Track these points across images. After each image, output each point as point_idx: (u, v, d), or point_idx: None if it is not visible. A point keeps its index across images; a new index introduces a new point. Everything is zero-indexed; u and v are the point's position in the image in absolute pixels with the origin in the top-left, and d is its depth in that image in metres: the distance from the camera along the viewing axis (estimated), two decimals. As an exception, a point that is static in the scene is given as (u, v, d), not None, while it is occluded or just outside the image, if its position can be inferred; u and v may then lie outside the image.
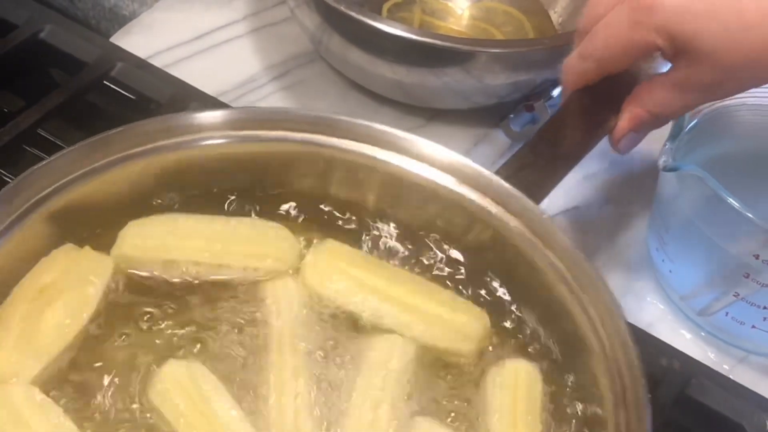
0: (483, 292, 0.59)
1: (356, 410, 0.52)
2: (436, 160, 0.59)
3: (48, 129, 0.73)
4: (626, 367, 0.51)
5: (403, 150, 0.59)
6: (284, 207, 0.61)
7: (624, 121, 0.63)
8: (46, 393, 0.51)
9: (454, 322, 0.56)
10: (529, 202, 0.57)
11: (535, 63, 0.77)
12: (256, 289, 0.57)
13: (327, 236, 0.60)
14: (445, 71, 0.76)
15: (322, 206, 0.61)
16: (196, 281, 0.57)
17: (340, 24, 0.76)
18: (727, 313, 0.68)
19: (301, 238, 0.60)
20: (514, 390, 0.54)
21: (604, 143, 0.65)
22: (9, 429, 0.49)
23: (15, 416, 0.49)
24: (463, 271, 0.60)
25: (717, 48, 0.56)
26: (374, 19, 0.72)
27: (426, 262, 0.60)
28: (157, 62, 0.82)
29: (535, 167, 0.60)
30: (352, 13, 0.72)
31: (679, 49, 0.58)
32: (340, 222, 0.61)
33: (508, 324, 0.58)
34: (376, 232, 0.61)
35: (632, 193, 0.81)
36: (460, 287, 0.59)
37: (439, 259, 0.60)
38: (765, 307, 0.66)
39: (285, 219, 0.61)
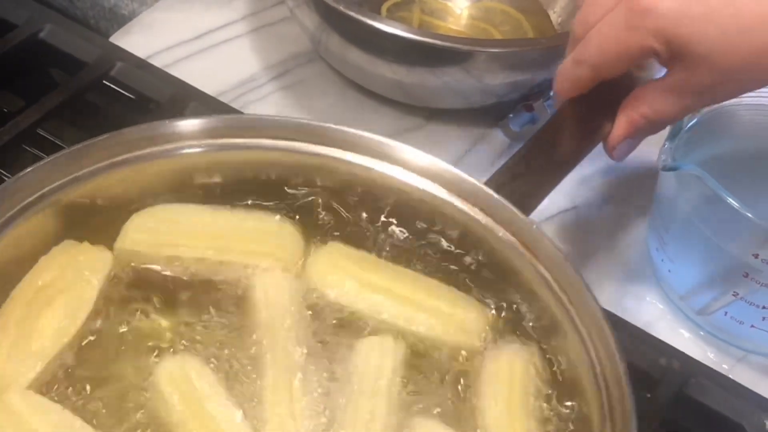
0: (478, 295, 0.59)
1: (352, 409, 0.53)
2: (424, 169, 0.59)
3: (48, 129, 0.73)
4: (614, 380, 0.51)
5: (392, 159, 0.59)
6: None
7: (619, 127, 0.62)
8: (45, 393, 0.51)
9: (455, 316, 0.57)
10: (517, 213, 0.57)
11: (534, 62, 0.77)
12: (254, 286, 0.57)
13: (322, 241, 0.60)
14: (445, 71, 0.76)
15: (310, 212, 0.61)
16: (197, 276, 0.57)
17: (339, 24, 0.76)
18: (726, 313, 0.68)
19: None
20: (510, 376, 0.54)
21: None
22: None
23: (15, 420, 0.49)
24: (456, 273, 0.59)
25: (713, 51, 0.56)
26: (373, 19, 0.72)
27: (420, 265, 0.60)
28: (156, 62, 0.82)
29: (526, 176, 0.60)
30: (352, 13, 0.72)
31: (675, 53, 0.57)
32: (331, 228, 0.61)
33: (495, 330, 0.58)
34: (368, 236, 0.61)
35: (632, 193, 0.81)
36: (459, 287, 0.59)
37: (433, 261, 0.60)
38: (764, 307, 0.66)
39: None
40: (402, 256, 0.60)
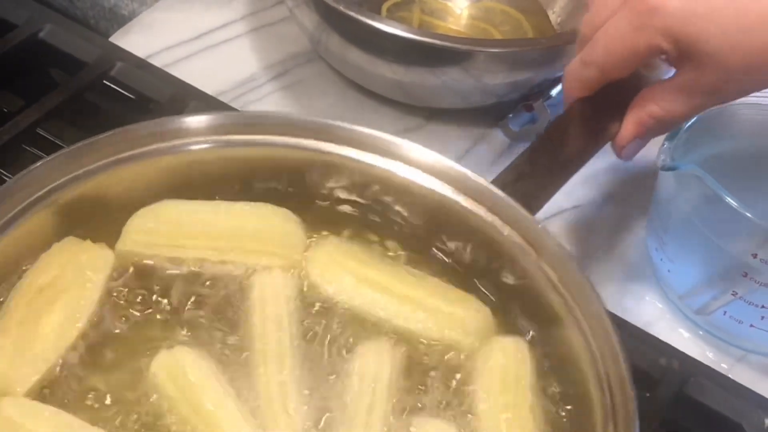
0: (481, 293, 0.59)
1: (350, 407, 0.53)
2: (429, 166, 0.59)
3: (47, 128, 0.73)
4: (617, 380, 0.51)
5: (398, 156, 0.59)
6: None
7: (628, 127, 0.62)
8: (47, 395, 0.51)
9: (455, 315, 0.57)
10: (522, 211, 0.57)
11: (534, 62, 0.77)
12: (253, 285, 0.57)
13: (324, 238, 0.60)
14: (444, 71, 0.76)
15: (312, 208, 0.61)
16: (198, 275, 0.57)
17: (339, 23, 0.76)
18: (725, 312, 0.69)
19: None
20: (510, 375, 0.54)
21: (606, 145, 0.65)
22: None
23: (13, 427, 0.49)
24: (459, 272, 0.60)
25: (720, 50, 0.56)
26: (373, 19, 0.72)
27: (423, 263, 0.60)
28: (156, 62, 0.82)
29: (532, 176, 0.60)
30: (351, 13, 0.72)
31: (683, 52, 0.57)
32: (332, 224, 0.61)
33: (498, 328, 0.58)
34: (372, 235, 0.61)
35: (632, 192, 0.81)
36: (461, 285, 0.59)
37: (435, 260, 0.60)
38: (763, 306, 0.66)
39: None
40: (406, 252, 0.60)
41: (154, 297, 0.56)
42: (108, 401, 0.51)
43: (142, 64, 0.79)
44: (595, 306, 0.53)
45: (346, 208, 0.61)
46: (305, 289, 0.57)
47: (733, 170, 0.70)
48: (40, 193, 0.54)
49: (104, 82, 0.76)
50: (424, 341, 0.56)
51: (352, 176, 0.60)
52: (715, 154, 0.72)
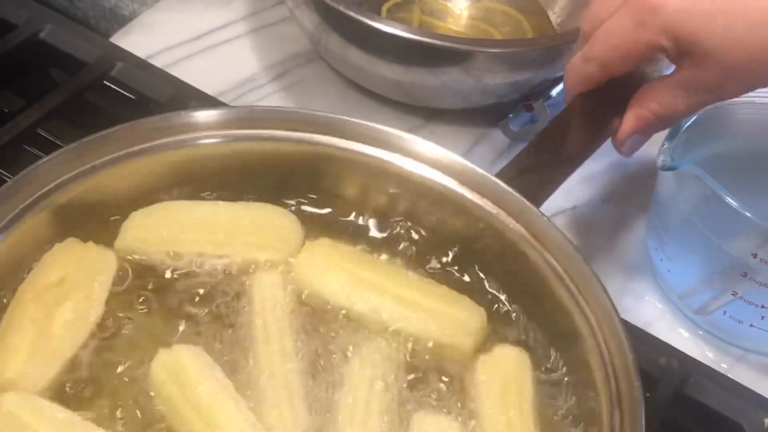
0: (479, 289, 0.59)
1: (348, 406, 0.53)
2: (436, 161, 0.59)
3: (48, 129, 0.73)
4: (622, 369, 0.51)
5: (404, 150, 0.59)
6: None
7: (628, 123, 0.63)
8: (58, 394, 0.51)
9: (452, 316, 0.57)
10: (528, 205, 0.57)
11: (534, 62, 0.77)
12: (252, 284, 0.57)
13: (324, 234, 0.60)
14: (444, 71, 0.76)
15: (320, 204, 0.61)
16: (198, 272, 0.57)
17: (339, 24, 0.76)
18: (725, 312, 0.69)
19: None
20: (504, 376, 0.54)
21: (604, 143, 0.65)
22: None
23: (17, 424, 0.49)
24: (458, 268, 0.60)
25: (720, 48, 0.56)
26: (373, 19, 0.73)
27: (422, 260, 0.60)
28: (157, 62, 0.82)
29: (536, 170, 0.60)
30: (351, 13, 0.72)
31: (683, 49, 0.58)
32: (337, 220, 0.61)
33: (503, 322, 0.58)
34: (373, 230, 0.61)
35: (631, 192, 0.81)
36: (458, 285, 0.59)
37: (435, 256, 0.60)
38: (763, 306, 0.66)
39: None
40: (409, 246, 0.61)
41: (155, 296, 0.56)
42: (111, 400, 0.52)
43: (142, 65, 0.79)
44: (599, 295, 0.54)
45: (350, 203, 0.61)
46: (304, 292, 0.57)
47: (733, 170, 0.70)
48: (40, 193, 0.54)
49: (104, 82, 0.76)
50: (422, 342, 0.56)
51: (357, 171, 0.60)
52: (715, 154, 0.72)
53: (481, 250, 0.59)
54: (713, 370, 0.67)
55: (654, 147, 0.66)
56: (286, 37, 0.88)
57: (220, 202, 0.59)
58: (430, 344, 0.56)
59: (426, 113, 0.84)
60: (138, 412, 0.51)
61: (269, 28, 0.89)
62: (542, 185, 0.60)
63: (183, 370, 0.52)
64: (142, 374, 0.53)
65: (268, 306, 0.56)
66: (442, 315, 0.57)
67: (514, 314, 0.58)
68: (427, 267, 0.60)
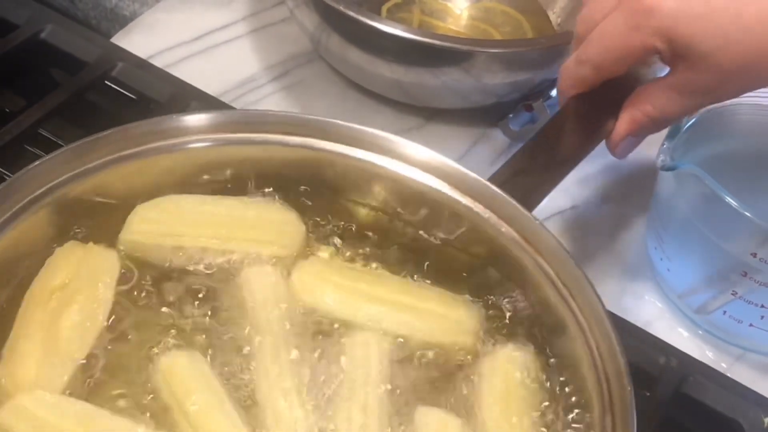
0: (473, 292, 0.59)
1: (346, 405, 0.53)
2: (428, 165, 0.59)
3: (49, 128, 0.73)
4: (614, 373, 0.51)
5: (396, 153, 0.59)
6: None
7: (622, 125, 0.63)
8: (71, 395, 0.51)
9: (449, 316, 0.57)
10: (520, 208, 0.57)
11: (534, 63, 0.77)
12: (251, 284, 0.57)
13: (314, 237, 0.60)
14: (444, 71, 0.76)
15: (310, 209, 0.61)
16: (201, 267, 0.57)
17: (339, 24, 0.76)
18: (724, 312, 0.69)
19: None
20: (506, 377, 0.54)
21: (602, 143, 0.65)
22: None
23: (38, 423, 0.49)
24: (451, 272, 0.60)
25: (714, 50, 0.56)
26: (373, 19, 0.73)
27: (416, 264, 0.60)
28: (157, 62, 0.82)
29: (531, 172, 0.60)
30: (351, 13, 0.72)
31: (677, 52, 0.58)
32: (328, 224, 0.61)
33: (497, 325, 0.58)
34: (365, 235, 0.61)
35: (631, 192, 0.82)
36: (452, 288, 0.59)
37: (428, 260, 0.60)
38: (763, 306, 0.66)
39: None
40: (401, 250, 0.60)
41: (160, 294, 0.56)
42: (119, 401, 0.52)
43: (143, 65, 0.79)
44: (591, 300, 0.53)
45: (345, 206, 0.61)
46: (300, 310, 0.57)
47: (732, 170, 0.70)
48: (39, 192, 0.54)
49: (105, 82, 0.76)
50: (422, 343, 0.56)
51: (349, 174, 0.60)
52: (715, 154, 0.72)
53: (474, 254, 0.59)
54: (713, 369, 0.67)
55: (654, 147, 0.66)
56: (286, 38, 0.88)
57: (223, 197, 0.59)
58: (431, 345, 0.56)
59: (426, 113, 0.84)
60: (149, 414, 0.51)
61: (269, 28, 0.90)
62: (537, 187, 0.60)
63: (182, 371, 0.52)
64: (143, 374, 0.53)
65: (270, 308, 0.56)
66: (440, 316, 0.57)
67: (507, 316, 0.58)
68: (421, 271, 0.60)
